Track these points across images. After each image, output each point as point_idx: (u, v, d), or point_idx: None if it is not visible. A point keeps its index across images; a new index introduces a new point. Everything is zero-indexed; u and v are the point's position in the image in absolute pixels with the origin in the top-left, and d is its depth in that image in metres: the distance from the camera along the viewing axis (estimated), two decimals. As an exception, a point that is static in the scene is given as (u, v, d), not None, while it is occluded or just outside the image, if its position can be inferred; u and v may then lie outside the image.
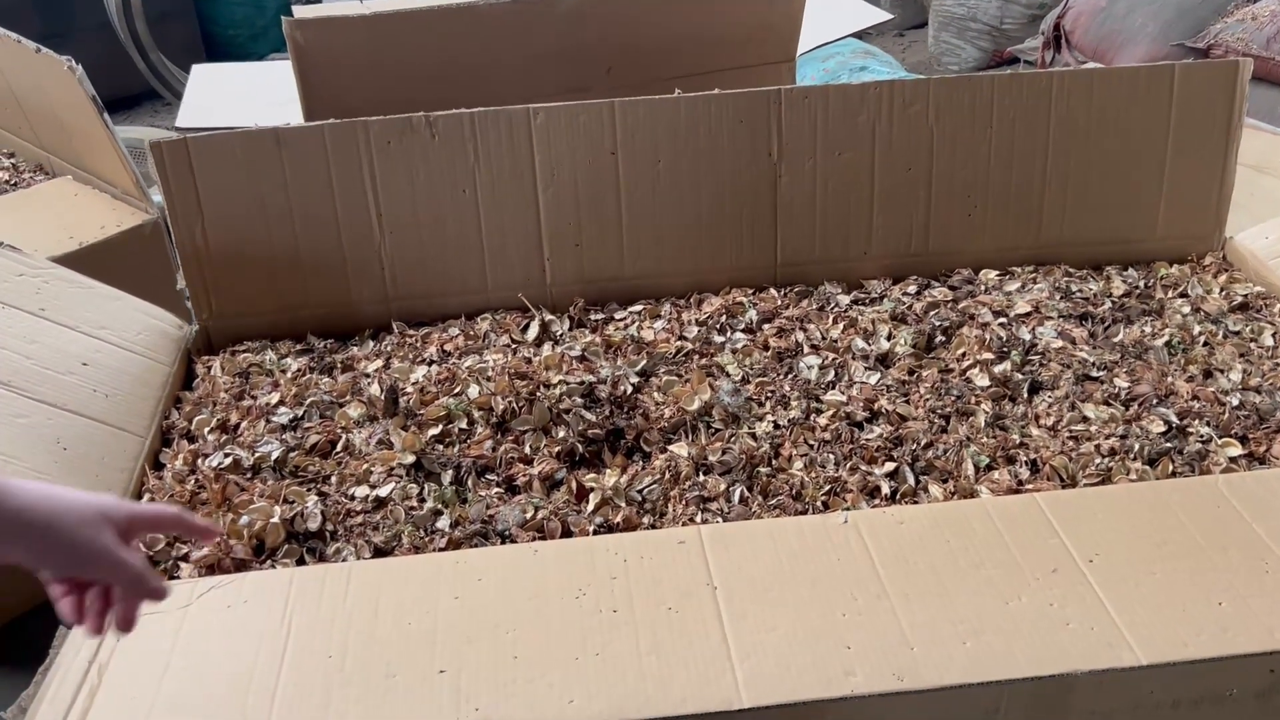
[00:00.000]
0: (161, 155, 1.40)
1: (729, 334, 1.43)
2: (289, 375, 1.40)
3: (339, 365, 1.42)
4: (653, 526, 1.14)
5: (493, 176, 1.47)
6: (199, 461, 1.24)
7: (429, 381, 1.33)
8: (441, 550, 1.11)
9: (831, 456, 1.21)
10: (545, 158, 1.47)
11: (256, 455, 1.24)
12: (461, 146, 1.45)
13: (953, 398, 1.28)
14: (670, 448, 1.22)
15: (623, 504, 1.15)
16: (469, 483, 1.18)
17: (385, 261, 1.49)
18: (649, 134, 1.48)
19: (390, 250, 1.49)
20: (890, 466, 1.19)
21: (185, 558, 1.13)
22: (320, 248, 1.47)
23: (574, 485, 1.17)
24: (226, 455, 1.24)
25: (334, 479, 1.21)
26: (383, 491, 1.18)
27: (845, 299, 1.51)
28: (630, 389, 1.30)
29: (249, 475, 1.23)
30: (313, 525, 1.15)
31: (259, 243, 1.46)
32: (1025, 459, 1.20)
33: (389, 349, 1.45)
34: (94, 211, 1.82)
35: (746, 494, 1.16)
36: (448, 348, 1.43)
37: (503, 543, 1.12)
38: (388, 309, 1.52)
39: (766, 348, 1.39)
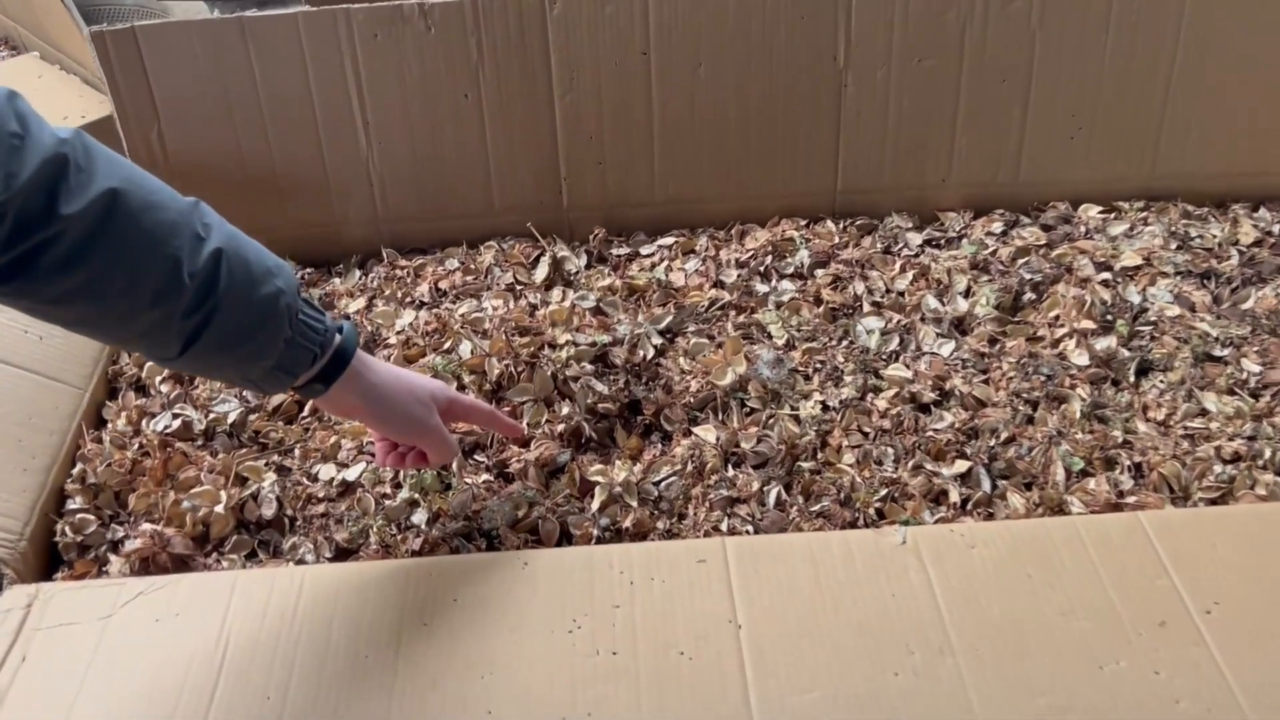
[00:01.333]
0: (105, 47, 1.20)
1: (774, 281, 1.22)
2: (258, 313, 1.22)
3: (317, 300, 1.23)
4: (669, 533, 0.96)
5: (499, 78, 1.24)
6: (144, 423, 1.07)
7: (416, 332, 1.14)
8: (414, 554, 0.94)
9: (890, 450, 1.01)
10: (563, 57, 1.24)
11: (211, 416, 1.07)
12: (462, 41, 1.23)
13: (1042, 378, 1.07)
14: (695, 430, 1.03)
15: (634, 503, 0.97)
16: (453, 465, 1.01)
17: (374, 177, 1.29)
18: (689, 30, 1.24)
19: (379, 164, 1.28)
20: (961, 466, 1.00)
21: (117, 547, 0.98)
22: (297, 159, 1.27)
23: (577, 477, 0.99)
24: (175, 416, 1.07)
25: (297, 451, 1.04)
26: (351, 474, 1.01)
27: (916, 238, 1.28)
28: (651, 352, 1.10)
29: (200, 442, 1.06)
30: (268, 512, 0.99)
31: (225, 152, 1.26)
32: (1128, 462, 0.99)
33: (376, 283, 1.26)
34: (58, 98, 1.63)
35: (784, 495, 0.98)
36: (443, 285, 1.23)
37: (488, 545, 0.95)
38: (377, 231, 1.32)
39: (818, 301, 1.18)
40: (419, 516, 0.97)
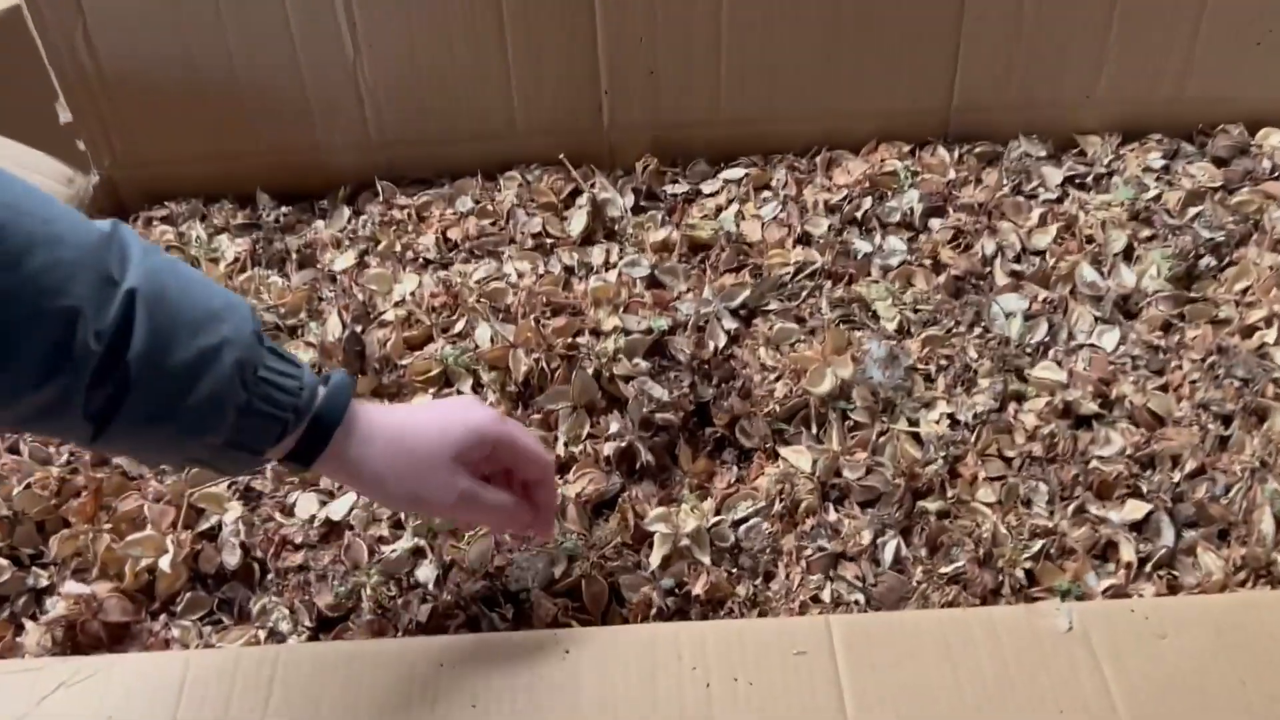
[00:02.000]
0: (5, -81, 0.92)
1: (878, 234, 0.96)
2: (221, 268, 0.97)
3: (295, 254, 0.99)
4: (753, 601, 0.74)
5: (524, -37, 0.96)
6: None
7: (419, 304, 0.90)
8: (420, 626, 0.73)
9: (1042, 486, 0.78)
10: (606, -66, 0.96)
11: (158, 419, 0.84)
12: (475, -87, 0.94)
13: (1236, 383, 0.82)
14: (783, 452, 0.80)
15: (706, 558, 0.74)
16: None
17: (364, 90, 1.02)
18: (771, -101, 0.95)
19: (370, 74, 1.01)
20: (1136, 510, 0.76)
21: (40, 599, 0.76)
22: (266, 68, 1.00)
23: (631, 519, 0.76)
24: (113, 419, 0.84)
25: (269, 472, 0.81)
26: (337, 510, 0.78)
27: (1054, 173, 1.02)
28: (723, 340, 0.86)
29: (145, 455, 0.84)
30: (230, 560, 0.77)
31: (172, 59, 0.99)
32: (1360, 507, 0.75)
33: (369, 228, 1.00)
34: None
35: (903, 549, 0.75)
36: (453, 234, 0.98)
37: (516, 614, 0.73)
38: (369, 159, 1.06)
39: (937, 266, 0.93)
40: (425, 572, 0.75)
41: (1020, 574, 0.74)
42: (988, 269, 0.92)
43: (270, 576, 0.77)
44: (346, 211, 1.04)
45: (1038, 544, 0.75)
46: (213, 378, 0.54)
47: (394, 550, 0.76)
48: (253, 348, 0.57)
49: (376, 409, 0.65)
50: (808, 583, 0.73)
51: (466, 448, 0.65)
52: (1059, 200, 0.99)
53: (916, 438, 0.81)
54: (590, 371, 0.82)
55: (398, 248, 0.97)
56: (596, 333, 0.86)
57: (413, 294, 0.91)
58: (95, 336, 0.51)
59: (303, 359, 0.67)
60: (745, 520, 0.77)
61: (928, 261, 0.93)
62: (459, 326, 0.88)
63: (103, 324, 0.51)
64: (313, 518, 0.78)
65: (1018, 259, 0.94)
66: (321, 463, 0.62)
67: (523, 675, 0.69)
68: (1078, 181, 1.02)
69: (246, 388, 0.57)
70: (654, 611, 0.73)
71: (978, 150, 1.05)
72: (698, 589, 0.73)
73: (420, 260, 0.96)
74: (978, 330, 0.87)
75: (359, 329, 0.88)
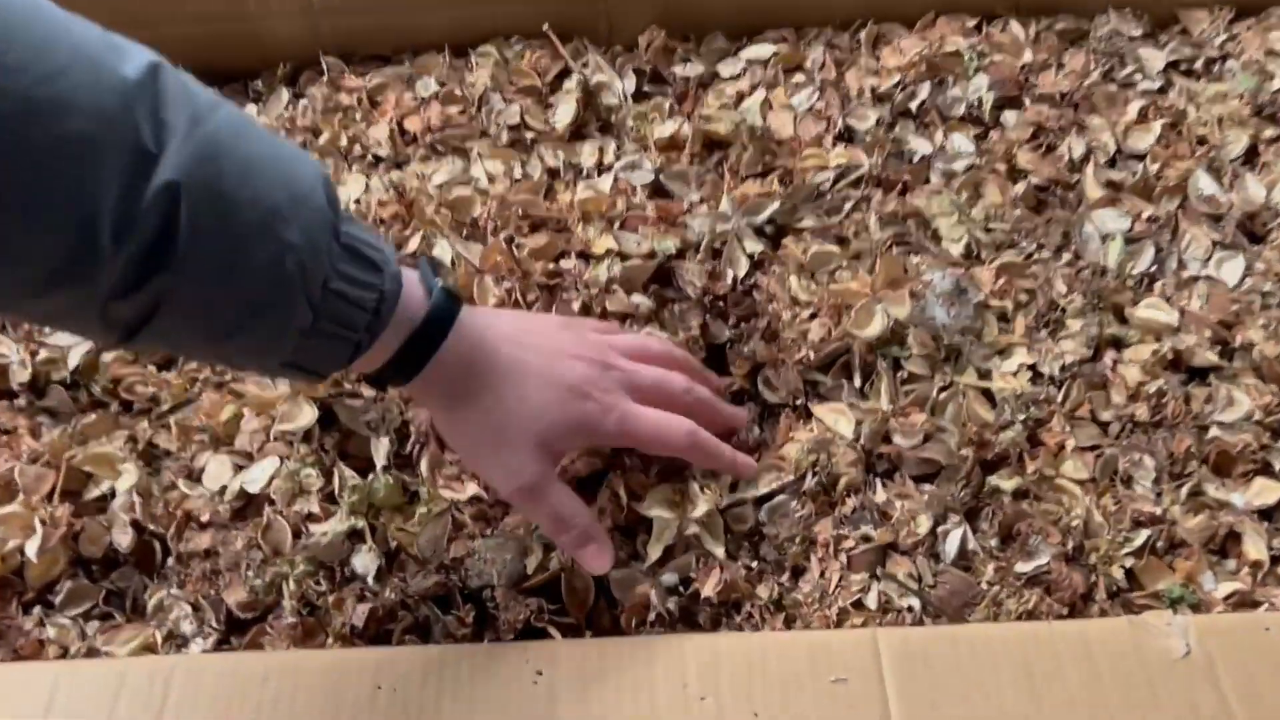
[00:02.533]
0: None
1: (938, 131, 0.78)
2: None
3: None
4: (779, 604, 0.58)
5: None
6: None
7: (364, 215, 0.72)
8: (355, 633, 0.58)
9: (1148, 460, 0.62)
10: None
11: (41, 358, 0.68)
12: None
13: (1394, 328, 0.65)
14: (818, 411, 0.64)
15: (718, 549, 0.59)
16: (422, 470, 0.62)
17: (304, -59, 0.83)
18: None
19: (310, -80, 0.82)
20: (1267, 491, 0.60)
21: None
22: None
23: (622, 499, 0.61)
24: (-18, 358, 0.68)
25: (173, 425, 0.66)
26: (255, 479, 0.63)
27: (1155, 57, 0.83)
28: (744, 267, 0.69)
29: (21, 400, 0.68)
30: (122, 540, 0.61)
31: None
32: None
33: (310, 116, 0.82)
34: None
35: (969, 539, 0.59)
36: (411, 125, 0.80)
37: (477, 618, 0.58)
38: (312, 28, 0.87)
39: (1013, 173, 0.75)
40: (364, 561, 0.60)
41: (1118, 573, 0.59)
42: (1076, 177, 0.74)
43: (170, 563, 0.62)
44: (285, 95, 0.86)
45: (1141, 535, 0.59)
46: (271, 296, 0.45)
47: (325, 533, 0.60)
48: (324, 252, 0.46)
49: (480, 334, 0.55)
50: (848, 582, 0.58)
51: (557, 436, 0.56)
52: (1161, 91, 0.81)
53: (988, 395, 0.64)
54: (576, 306, 0.66)
55: (343, 141, 0.79)
56: (586, 256, 0.68)
57: (358, 201, 0.73)
58: (116, 241, 0.40)
59: (389, 249, 0.52)
60: (769, 499, 0.61)
61: (1001, 166, 0.75)
62: (413, 244, 0.71)
63: (128, 226, 0.40)
64: (223, 489, 0.63)
65: (1113, 163, 0.76)
66: (424, 382, 0.54)
67: (482, 703, 0.54)
68: (1184, 68, 0.83)
69: (313, 305, 0.47)
70: (652, 617, 0.58)
71: (1058, 27, 0.86)
72: (708, 589, 0.58)
73: (369, 158, 0.79)
74: (1066, 257, 0.70)
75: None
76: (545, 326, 0.61)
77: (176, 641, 0.59)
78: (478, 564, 0.59)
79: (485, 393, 0.55)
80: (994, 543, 0.60)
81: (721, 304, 0.67)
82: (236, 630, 0.60)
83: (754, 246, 0.69)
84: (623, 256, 0.67)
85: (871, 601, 0.57)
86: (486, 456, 0.56)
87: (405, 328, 0.52)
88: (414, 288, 0.53)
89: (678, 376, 0.61)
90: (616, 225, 0.69)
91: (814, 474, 0.61)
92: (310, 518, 0.62)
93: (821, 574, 0.59)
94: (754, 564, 0.59)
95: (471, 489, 0.62)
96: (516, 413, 0.55)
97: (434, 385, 0.54)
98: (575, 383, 0.56)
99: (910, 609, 0.57)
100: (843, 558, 0.59)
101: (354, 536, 0.61)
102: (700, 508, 0.59)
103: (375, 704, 0.54)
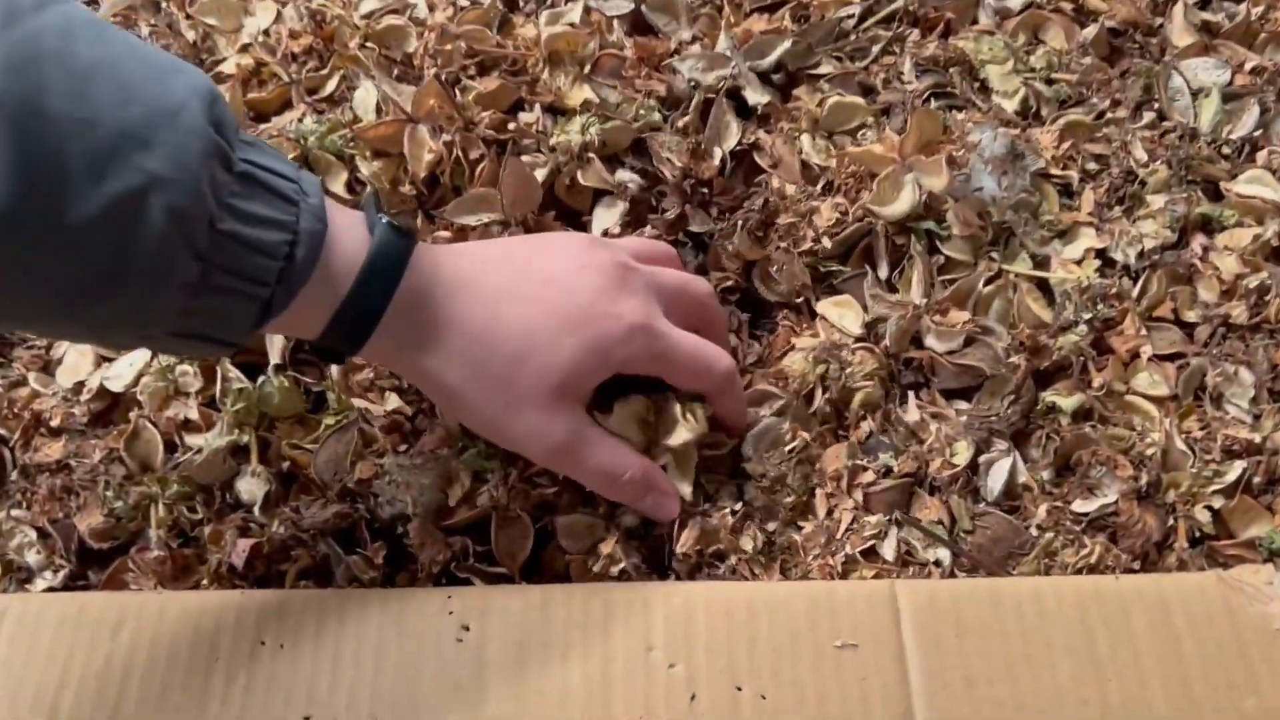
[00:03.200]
0: None
1: (983, -43, 0.63)
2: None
3: None
4: (770, 549, 0.46)
5: None
6: None
7: (273, 50, 0.58)
8: (236, 574, 0.46)
9: (1244, 374, 0.49)
10: None
11: None
12: None
13: None
14: (827, 311, 0.51)
15: (685, 486, 0.47)
16: (330, 373, 0.50)
17: None
18: None
19: None
20: (1393, 418, 0.48)
21: None
22: None
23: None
24: None
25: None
26: (119, 375, 0.50)
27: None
28: (733, 135, 0.55)
29: None
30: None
31: None
32: None
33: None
34: None
35: (1019, 467, 0.47)
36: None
37: (390, 557, 0.46)
38: None
39: (1082, 12, 0.60)
40: (250, 485, 0.48)
41: (1203, 516, 0.47)
42: (1160, 20, 0.60)
43: (14, 479, 0.50)
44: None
45: (1234, 468, 0.47)
46: (134, 247, 0.34)
47: (200, 448, 0.48)
48: (206, 183, 0.34)
49: (449, 271, 0.42)
50: (861, 526, 0.46)
51: (581, 376, 0.43)
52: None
53: (1044, 288, 0.51)
54: (539, 175, 0.52)
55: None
56: (553, 110, 0.55)
57: (266, 33, 0.59)
58: None
59: (309, 179, 0.39)
60: (761, 427, 0.48)
61: (1067, 4, 0.60)
62: (330, 85, 0.57)
63: None
64: (80, 385, 0.50)
65: (1205, 3, 0.61)
66: (363, 356, 0.42)
67: (391, 665, 0.42)
68: (1293, -112, 0.67)
69: (199, 255, 0.35)
70: (614, 570, 0.45)
71: None
72: (682, 541, 0.45)
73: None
74: (1146, 116, 0.56)
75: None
76: (527, 242, 0.47)
77: (19, 575, 0.48)
78: (389, 489, 0.47)
79: (473, 343, 0.42)
80: (1046, 475, 0.48)
81: (705, 191, 0.53)
82: (92, 565, 0.48)
83: (758, 97, 0.55)
84: (596, 121, 0.53)
85: (889, 551, 0.45)
86: (501, 423, 0.43)
87: (343, 278, 0.39)
88: (351, 228, 0.40)
89: (700, 281, 0.48)
90: (589, 64, 0.55)
91: (822, 389, 0.48)
92: (187, 426, 0.49)
93: (829, 514, 0.46)
94: (739, 506, 0.47)
95: (394, 401, 0.49)
96: (522, 358, 0.42)
97: (403, 347, 0.41)
98: (589, 300, 0.43)
99: (938, 562, 0.45)
100: (857, 494, 0.46)
101: (238, 453, 0.49)
102: (679, 435, 0.46)
103: (256, 661, 0.43)
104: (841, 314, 0.51)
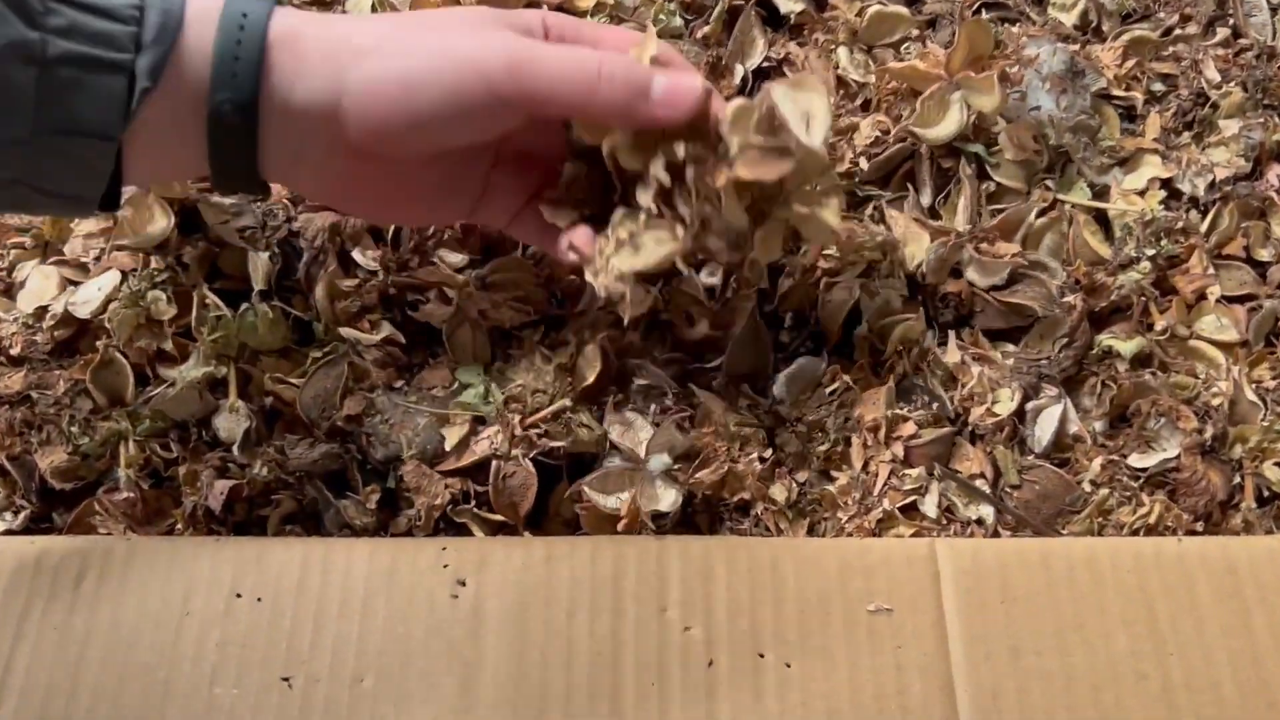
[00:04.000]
0: None
1: None
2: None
3: None
4: (796, 509, 0.42)
5: None
6: None
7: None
8: (214, 519, 0.42)
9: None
10: None
11: None
12: None
13: None
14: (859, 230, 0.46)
15: (715, 428, 0.42)
16: (316, 298, 0.46)
17: None
18: None
19: None
20: None
21: None
22: None
23: (593, 351, 0.44)
24: None
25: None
26: (87, 300, 0.46)
27: None
28: (762, 54, 0.49)
29: None
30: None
31: None
32: None
33: None
34: None
35: (1070, 415, 0.43)
36: None
37: (381, 506, 0.42)
38: None
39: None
40: (229, 422, 0.43)
41: (1274, 474, 0.42)
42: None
43: (-38, 412, 0.45)
44: None
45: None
46: None
47: (174, 381, 0.44)
48: None
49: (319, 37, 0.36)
50: (899, 480, 0.41)
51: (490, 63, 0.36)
52: None
53: (1103, 220, 0.47)
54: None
55: None
56: (562, 9, 0.49)
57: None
58: None
59: None
60: (795, 364, 0.44)
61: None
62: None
63: None
64: (43, 311, 0.46)
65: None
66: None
67: (378, 622, 0.39)
68: None
69: (35, 23, 0.31)
70: (628, 525, 0.41)
71: None
72: (703, 478, 0.41)
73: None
74: (1220, 33, 0.50)
75: None
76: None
77: (-23, 518, 0.44)
78: (381, 428, 0.42)
79: (379, 23, 0.38)
80: (1100, 426, 0.43)
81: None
82: (58, 505, 0.44)
83: (791, 4, 0.50)
84: (616, 18, 0.47)
85: (929, 507, 0.41)
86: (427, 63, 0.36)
87: (200, 55, 0.34)
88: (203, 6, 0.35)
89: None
90: (597, -29, 0.50)
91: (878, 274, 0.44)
92: (161, 357, 0.45)
93: (865, 468, 0.42)
94: (768, 454, 0.42)
95: (386, 329, 0.45)
96: (421, 45, 0.36)
97: (300, 76, 0.35)
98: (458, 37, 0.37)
99: (980, 521, 0.41)
100: (897, 447, 0.42)
101: (216, 387, 0.44)
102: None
103: (232, 615, 0.39)
104: (906, 226, 0.46)
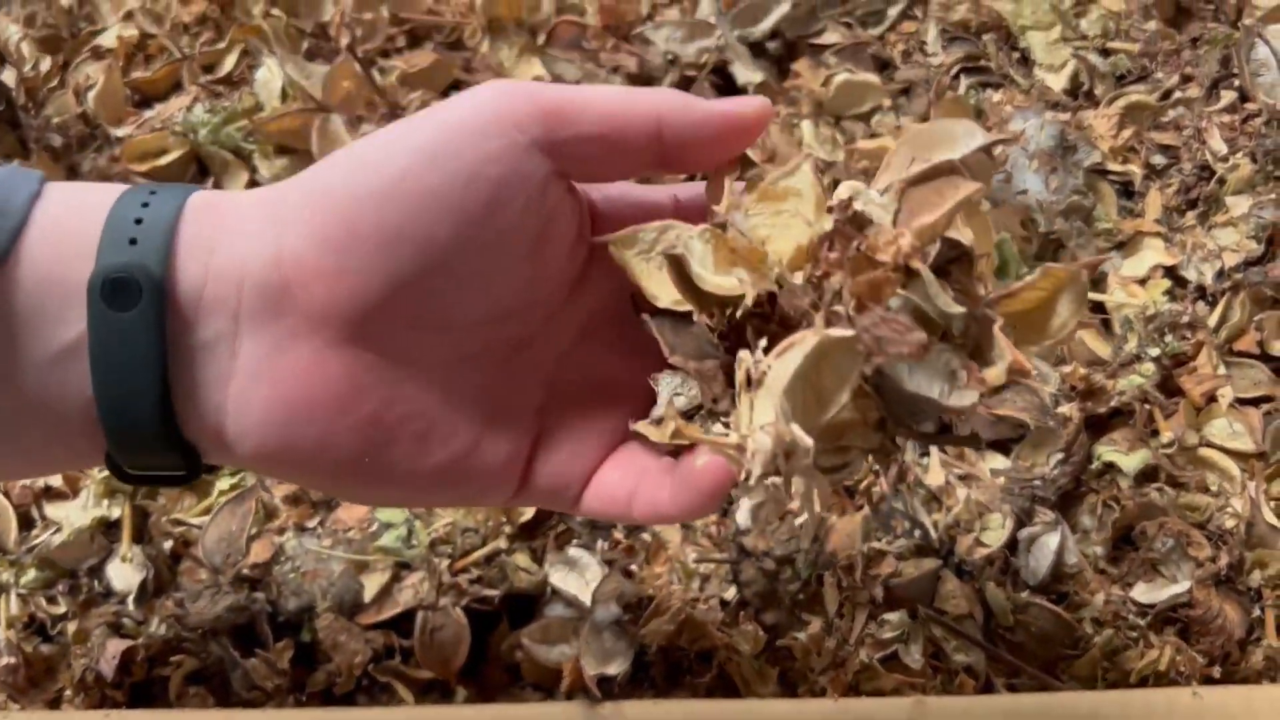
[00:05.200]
0: None
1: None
2: None
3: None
4: (770, 658, 0.37)
5: None
6: None
7: (164, 19, 0.48)
8: (109, 688, 0.37)
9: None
10: None
11: None
12: None
13: None
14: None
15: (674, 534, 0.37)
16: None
17: None
18: None
19: None
20: None
21: None
22: None
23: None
24: None
25: None
26: None
27: None
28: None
29: None
30: None
31: None
32: None
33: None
34: None
35: (1069, 549, 0.38)
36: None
37: (296, 669, 0.37)
38: None
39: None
40: (124, 572, 0.38)
41: (1300, 611, 0.38)
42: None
43: None
44: None
45: (1340, 547, 0.38)
46: None
47: (58, 529, 0.38)
48: None
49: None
50: (878, 626, 0.36)
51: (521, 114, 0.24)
52: None
53: (1100, 310, 0.42)
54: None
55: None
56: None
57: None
58: None
59: None
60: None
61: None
62: (228, 63, 0.46)
63: None
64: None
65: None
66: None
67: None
68: None
69: None
70: (572, 684, 0.36)
71: None
72: (657, 628, 0.36)
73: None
74: (1225, 96, 0.45)
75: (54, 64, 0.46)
76: None
77: None
78: (291, 576, 0.37)
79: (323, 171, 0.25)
80: (1101, 551, 0.38)
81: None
82: None
83: (749, 74, 0.45)
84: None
85: (913, 657, 0.36)
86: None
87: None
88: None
89: None
90: (539, 38, 0.45)
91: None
92: (48, 494, 0.40)
93: (840, 610, 0.37)
94: (730, 599, 0.37)
95: (296, 455, 0.39)
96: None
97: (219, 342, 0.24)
98: None
99: (970, 670, 0.36)
100: (876, 588, 0.37)
101: (110, 530, 0.39)
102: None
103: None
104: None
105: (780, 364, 0.20)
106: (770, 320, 0.23)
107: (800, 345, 0.20)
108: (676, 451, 0.25)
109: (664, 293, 0.24)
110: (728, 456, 0.22)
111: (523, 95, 0.24)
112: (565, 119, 0.23)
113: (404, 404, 0.24)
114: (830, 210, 0.23)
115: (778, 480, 0.21)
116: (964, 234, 0.23)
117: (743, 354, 0.21)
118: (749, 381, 0.21)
